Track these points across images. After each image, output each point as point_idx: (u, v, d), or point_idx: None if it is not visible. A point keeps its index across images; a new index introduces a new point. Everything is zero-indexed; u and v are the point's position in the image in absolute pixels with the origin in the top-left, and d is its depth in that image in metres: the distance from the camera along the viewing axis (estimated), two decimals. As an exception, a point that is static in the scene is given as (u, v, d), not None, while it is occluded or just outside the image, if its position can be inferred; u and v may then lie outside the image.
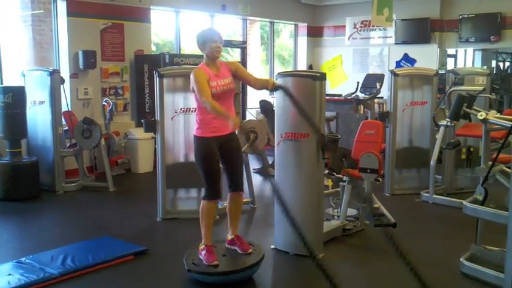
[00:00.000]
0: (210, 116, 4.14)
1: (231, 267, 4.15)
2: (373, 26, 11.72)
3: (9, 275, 4.16)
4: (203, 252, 4.20)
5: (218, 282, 4.12)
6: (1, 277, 4.11)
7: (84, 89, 8.32)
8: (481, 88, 6.65)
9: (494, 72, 13.13)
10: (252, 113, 9.85)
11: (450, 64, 12.31)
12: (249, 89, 11.46)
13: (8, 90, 6.88)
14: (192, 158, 5.66)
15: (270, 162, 8.12)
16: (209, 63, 4.24)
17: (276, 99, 4.92)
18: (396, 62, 11.72)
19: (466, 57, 13.62)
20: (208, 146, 4.20)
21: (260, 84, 4.51)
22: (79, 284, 4.17)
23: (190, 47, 10.87)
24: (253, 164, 7.55)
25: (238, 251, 4.32)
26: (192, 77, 4.16)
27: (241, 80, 4.60)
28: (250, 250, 4.28)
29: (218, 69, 4.25)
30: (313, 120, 4.34)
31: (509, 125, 4.75)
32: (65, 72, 7.95)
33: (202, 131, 4.23)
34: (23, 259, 4.48)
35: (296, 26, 13.11)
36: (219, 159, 4.26)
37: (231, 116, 4.06)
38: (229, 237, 4.42)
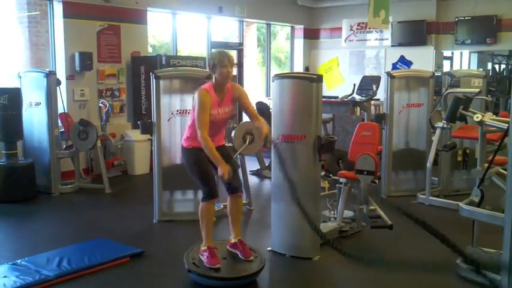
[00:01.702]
0: None
1: (232, 274, 4.15)
2: (369, 28, 11.73)
3: (5, 277, 4.14)
4: (205, 254, 4.19)
5: (217, 286, 4.12)
6: (-3, 279, 4.10)
7: (81, 90, 8.30)
8: (477, 90, 6.67)
9: (490, 74, 13.18)
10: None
11: (446, 66, 12.35)
12: (246, 90, 11.49)
13: (3, 91, 6.86)
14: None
15: (267, 164, 8.13)
16: (217, 87, 4.20)
17: (272, 101, 4.93)
18: (392, 64, 11.73)
19: (462, 60, 13.67)
20: (197, 154, 4.21)
21: (255, 123, 4.36)
22: (75, 286, 4.16)
23: (187, 49, 10.88)
24: (250, 166, 7.54)
25: (240, 256, 4.29)
26: (196, 96, 4.14)
27: (242, 108, 4.53)
28: (251, 258, 4.27)
29: (223, 95, 4.23)
30: (302, 207, 4.09)
31: (505, 127, 4.77)
32: (61, 74, 7.94)
33: (191, 142, 4.25)
34: (18, 261, 4.46)
35: (293, 28, 13.13)
36: (210, 163, 4.24)
37: (222, 164, 4.03)
38: (233, 240, 4.40)
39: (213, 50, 4.44)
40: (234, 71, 11.13)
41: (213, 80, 4.22)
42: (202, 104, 4.07)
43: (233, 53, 11.68)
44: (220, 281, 4.10)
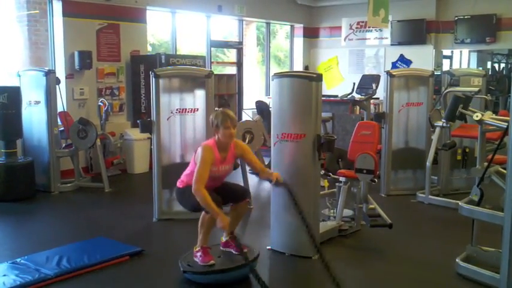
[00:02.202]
0: None
1: (225, 266, 4.15)
2: (369, 27, 11.73)
3: (5, 275, 4.14)
4: (198, 254, 4.20)
5: (214, 281, 4.12)
6: (-4, 278, 4.10)
7: (80, 89, 8.30)
8: (476, 89, 6.67)
9: (490, 73, 13.18)
10: (248, 114, 9.86)
11: (446, 65, 12.35)
12: (245, 89, 11.52)
13: (3, 90, 6.85)
14: (188, 158, 5.67)
15: (266, 163, 8.12)
16: (220, 145, 4.20)
17: (272, 100, 4.93)
18: (392, 63, 11.73)
19: (462, 59, 13.67)
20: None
21: (264, 175, 4.42)
22: (74, 284, 4.15)
23: (187, 48, 10.87)
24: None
25: (233, 252, 4.31)
26: (199, 151, 4.14)
27: (248, 164, 4.58)
28: (245, 250, 4.27)
29: (226, 153, 4.24)
30: (310, 227, 4.19)
31: (505, 126, 4.77)
32: (61, 73, 7.94)
33: (186, 183, 4.22)
34: (18, 260, 4.46)
35: (292, 26, 13.12)
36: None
37: (220, 216, 3.99)
38: (224, 239, 4.41)
39: (216, 110, 4.43)
40: (232, 59, 11.13)
41: (216, 138, 4.21)
42: (205, 160, 4.08)
43: (233, 52, 11.69)
44: (214, 274, 4.10)
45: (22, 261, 4.44)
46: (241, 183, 6.32)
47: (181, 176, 4.37)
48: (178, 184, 4.36)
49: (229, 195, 4.32)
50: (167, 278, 4.32)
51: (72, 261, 4.42)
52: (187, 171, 4.31)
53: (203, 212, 4.24)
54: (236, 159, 4.42)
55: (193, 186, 4.01)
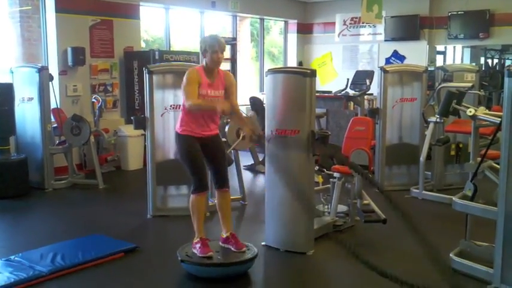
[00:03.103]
0: (191, 118, 4.20)
1: (224, 261, 4.16)
2: (362, 23, 11.73)
3: (-2, 273, 4.13)
4: (197, 246, 4.20)
5: (211, 274, 4.12)
6: (-10, 275, 4.08)
7: (73, 85, 8.27)
8: (470, 85, 6.69)
9: (483, 69, 13.22)
10: (243, 110, 9.85)
11: (439, 61, 12.37)
12: (239, 85, 11.50)
13: (-4, 87, 6.84)
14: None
15: (261, 159, 8.13)
16: (207, 69, 4.22)
17: (266, 96, 4.93)
18: (386, 58, 11.74)
19: (455, 54, 13.70)
20: (191, 141, 4.24)
21: (234, 117, 4.50)
22: (69, 282, 4.15)
23: (180, 44, 10.85)
24: (244, 161, 7.54)
25: (233, 249, 4.30)
26: (185, 75, 4.17)
27: (226, 93, 4.49)
28: (244, 249, 4.28)
29: (214, 78, 4.25)
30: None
31: (498, 121, 4.78)
32: (54, 69, 7.91)
33: (185, 127, 4.26)
34: (12, 257, 4.45)
35: (286, 22, 13.11)
36: (203, 155, 4.27)
37: (218, 105, 4.04)
38: (224, 235, 4.40)
39: (205, 35, 4.42)
40: (226, 55, 11.14)
41: (204, 63, 4.24)
42: (189, 80, 4.13)
43: (226, 48, 11.66)
44: (212, 267, 4.10)
45: (16, 258, 4.43)
46: (236, 180, 6.33)
47: (179, 115, 4.41)
48: (177, 127, 4.36)
49: (215, 173, 4.35)
50: (162, 274, 4.32)
51: (67, 258, 4.41)
52: (181, 106, 4.33)
53: (191, 198, 4.28)
54: (224, 87, 4.34)
55: (187, 103, 4.07)
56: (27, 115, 7.22)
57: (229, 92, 4.38)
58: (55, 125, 7.52)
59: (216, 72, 4.28)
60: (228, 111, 4.08)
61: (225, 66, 11.38)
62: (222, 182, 4.38)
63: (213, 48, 4.15)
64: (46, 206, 6.58)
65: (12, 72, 7.39)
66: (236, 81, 4.59)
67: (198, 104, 4.05)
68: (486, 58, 14.92)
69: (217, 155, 4.35)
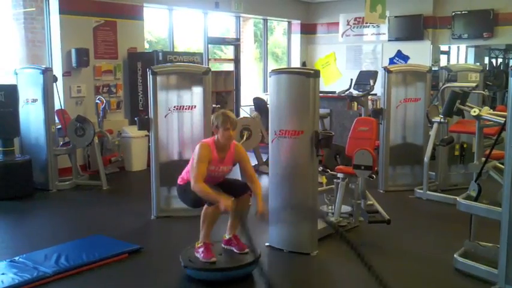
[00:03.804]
0: None
1: (228, 265, 4.16)
2: (366, 23, 11.72)
3: (3, 274, 4.14)
4: (200, 250, 4.19)
5: (214, 278, 4.12)
6: (-6, 276, 4.10)
7: (77, 87, 8.29)
8: (474, 85, 6.68)
9: (487, 68, 13.16)
10: (246, 111, 9.86)
11: (443, 61, 12.33)
12: (243, 86, 11.51)
13: (0, 88, 6.85)
14: (186, 156, 5.68)
15: (264, 160, 8.12)
16: (218, 145, 4.23)
17: (269, 96, 4.92)
18: (389, 58, 11.73)
19: (459, 54, 13.65)
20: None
21: (248, 181, 4.37)
22: (73, 282, 4.15)
23: (184, 45, 10.86)
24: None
25: (235, 250, 4.31)
26: (197, 148, 4.17)
27: (241, 170, 4.52)
28: (246, 250, 4.27)
29: (225, 154, 4.25)
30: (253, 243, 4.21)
31: (502, 121, 4.77)
32: (58, 70, 7.93)
33: (187, 179, 4.23)
34: (16, 258, 4.46)
35: (289, 23, 13.11)
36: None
37: (222, 198, 3.98)
38: (227, 236, 4.40)
39: (217, 111, 4.43)
40: (229, 56, 11.12)
41: (216, 138, 4.24)
42: (201, 157, 4.10)
43: (230, 49, 11.68)
44: (216, 272, 4.10)
45: (20, 259, 4.44)
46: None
47: (181, 173, 4.38)
48: (179, 181, 4.37)
49: (230, 190, 4.28)
50: (166, 275, 4.32)
51: (71, 259, 4.41)
52: (187, 168, 4.31)
53: (205, 206, 4.23)
54: (234, 163, 4.38)
55: (192, 183, 4.04)
56: (31, 116, 7.24)
57: (243, 165, 4.39)
58: (59, 126, 7.54)
59: (227, 146, 4.28)
60: (230, 209, 4.02)
61: (228, 67, 11.41)
62: (244, 188, 4.34)
63: (225, 126, 4.14)
64: (50, 207, 6.60)
65: (16, 74, 7.41)
66: (245, 153, 4.54)
67: (205, 193, 4.00)
68: (490, 58, 14.85)
69: (226, 182, 4.35)
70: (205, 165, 4.10)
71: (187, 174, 4.27)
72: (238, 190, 4.33)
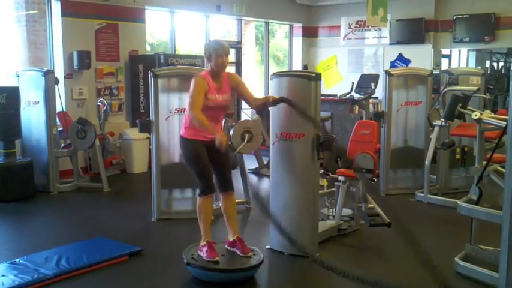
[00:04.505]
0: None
1: (230, 266, 4.16)
2: (367, 26, 11.74)
3: (3, 276, 4.14)
4: (204, 249, 4.20)
5: (215, 279, 4.12)
6: (-5, 278, 4.10)
7: (79, 89, 8.30)
8: (475, 88, 6.67)
9: (489, 72, 13.17)
10: (247, 113, 9.85)
11: (444, 64, 12.34)
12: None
13: (2, 90, 6.86)
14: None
15: (265, 163, 8.12)
16: (213, 74, 4.26)
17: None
18: (391, 62, 11.73)
19: (461, 58, 13.67)
20: (196, 145, 4.27)
21: (259, 103, 4.49)
22: (73, 284, 4.15)
23: (185, 47, 10.87)
24: (248, 164, 7.53)
25: (238, 253, 4.30)
26: (192, 81, 4.21)
27: (240, 96, 4.57)
28: (250, 254, 4.27)
29: (221, 83, 4.29)
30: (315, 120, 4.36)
31: (504, 125, 4.77)
32: (60, 73, 7.93)
33: (190, 132, 4.28)
34: (17, 260, 4.46)
35: (291, 26, 13.12)
36: (208, 157, 4.28)
37: (218, 134, 4.07)
38: (231, 238, 4.40)
39: (210, 40, 4.46)
40: (231, 59, 11.16)
41: (209, 68, 4.29)
42: (197, 87, 4.15)
43: (231, 52, 11.68)
44: (218, 273, 4.10)
45: (21, 261, 4.44)
46: (240, 183, 6.33)
47: (184, 118, 4.44)
48: (182, 131, 4.40)
49: (220, 178, 4.35)
50: (166, 277, 4.32)
51: (71, 261, 4.41)
52: (186, 110, 4.33)
53: (198, 200, 4.30)
54: (231, 89, 4.40)
55: (190, 113, 4.11)
56: (32, 118, 7.25)
57: (242, 90, 4.44)
58: (60, 128, 7.55)
59: (222, 76, 4.31)
60: (224, 148, 4.06)
61: (230, 70, 11.39)
62: (226, 185, 4.40)
63: (217, 52, 4.19)
64: (51, 209, 6.60)
65: (18, 76, 7.42)
66: (240, 77, 4.59)
67: (202, 122, 4.06)
68: (492, 61, 14.88)
69: (221, 158, 4.35)
70: (201, 96, 4.13)
71: (188, 118, 4.29)
72: (223, 186, 4.39)
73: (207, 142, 4.23)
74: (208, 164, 4.28)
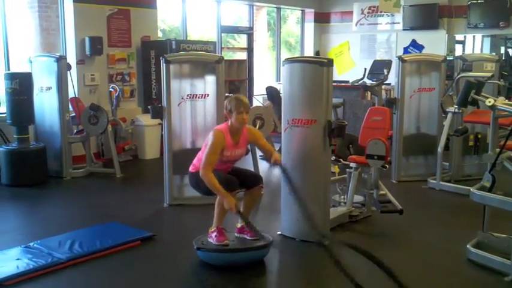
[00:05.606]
0: None
1: (241, 246, 4.20)
2: (380, 12, 11.64)
3: (18, 259, 4.19)
4: (213, 234, 4.24)
5: (226, 260, 4.15)
6: (10, 262, 4.15)
7: (91, 75, 8.33)
8: (489, 74, 6.59)
9: (503, 58, 13.01)
10: (259, 100, 9.84)
11: (458, 50, 12.21)
12: (256, 75, 11.49)
13: (15, 76, 6.91)
14: (198, 144, 5.69)
15: (277, 149, 8.12)
16: (232, 130, 4.24)
17: (282, 85, 4.91)
18: (404, 48, 11.63)
19: (475, 44, 13.51)
20: None
21: (268, 155, 4.47)
22: (86, 269, 4.20)
23: (197, 33, 10.84)
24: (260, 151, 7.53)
25: (247, 237, 4.33)
26: (211, 135, 4.19)
27: (257, 147, 4.68)
28: (258, 236, 4.29)
29: (239, 138, 4.28)
30: (310, 216, 4.24)
31: (518, 112, 4.72)
32: (72, 59, 7.95)
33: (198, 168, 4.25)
34: (31, 244, 4.52)
35: (303, 11, 13.03)
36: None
37: (227, 198, 4.03)
38: (239, 225, 4.42)
39: (230, 95, 4.45)
40: (242, 45, 11.09)
41: (229, 123, 4.25)
42: (214, 146, 4.12)
43: (243, 38, 11.65)
44: (227, 253, 4.14)
45: (35, 245, 4.49)
46: (252, 169, 6.34)
47: (193, 160, 4.40)
48: (191, 169, 4.40)
49: (243, 181, 4.33)
50: (178, 262, 4.35)
51: (85, 246, 4.46)
52: (199, 155, 4.33)
53: (218, 196, 4.27)
54: (248, 144, 4.44)
55: (201, 171, 4.08)
56: (45, 104, 7.29)
57: (259, 144, 4.47)
58: (73, 114, 7.59)
59: (241, 130, 4.30)
60: (233, 209, 4.05)
61: (241, 55, 11.38)
62: (256, 180, 4.39)
63: (239, 109, 4.16)
64: (64, 194, 6.66)
65: (31, 62, 7.45)
66: (258, 132, 4.70)
67: (212, 184, 4.05)
68: (506, 47, 14.67)
69: (239, 173, 4.38)
70: (216, 156, 4.12)
71: (198, 161, 4.29)
72: (251, 181, 4.37)
73: None
74: (222, 174, 4.24)
